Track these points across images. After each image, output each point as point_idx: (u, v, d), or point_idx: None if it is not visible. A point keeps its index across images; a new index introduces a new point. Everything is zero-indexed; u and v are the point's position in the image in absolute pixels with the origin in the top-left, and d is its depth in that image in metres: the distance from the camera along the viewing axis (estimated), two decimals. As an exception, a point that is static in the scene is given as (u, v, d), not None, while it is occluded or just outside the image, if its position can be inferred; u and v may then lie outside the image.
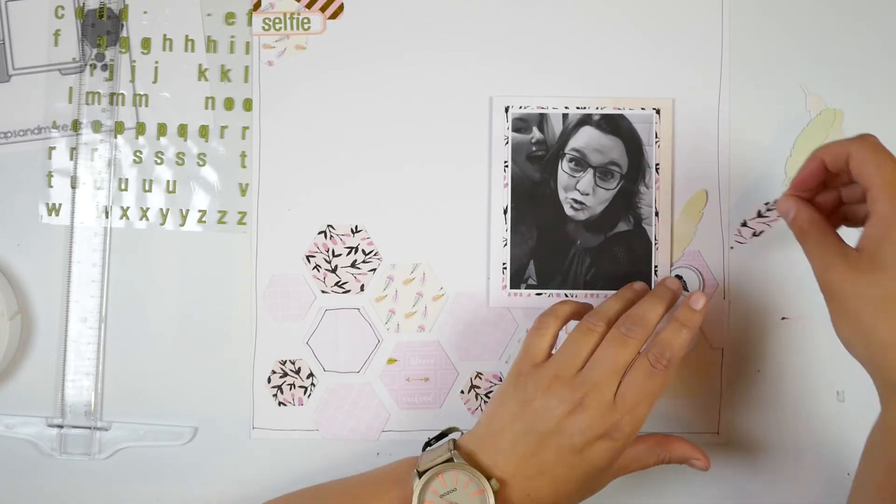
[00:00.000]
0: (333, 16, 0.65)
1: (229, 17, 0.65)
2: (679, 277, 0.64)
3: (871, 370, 0.51)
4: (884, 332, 0.48)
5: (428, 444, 0.58)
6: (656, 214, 0.64)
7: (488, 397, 0.64)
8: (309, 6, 0.64)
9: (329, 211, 0.64)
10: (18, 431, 0.64)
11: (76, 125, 0.65)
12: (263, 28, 0.64)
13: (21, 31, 0.65)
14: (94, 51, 0.65)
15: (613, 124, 0.64)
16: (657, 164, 0.64)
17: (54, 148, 0.65)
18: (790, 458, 0.64)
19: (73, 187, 0.65)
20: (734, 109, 0.64)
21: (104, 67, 0.65)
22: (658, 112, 0.64)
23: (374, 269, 0.64)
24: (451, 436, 0.57)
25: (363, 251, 0.65)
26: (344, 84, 0.64)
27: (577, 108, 0.64)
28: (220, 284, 0.65)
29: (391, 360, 0.65)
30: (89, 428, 0.64)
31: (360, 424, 0.64)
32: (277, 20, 0.64)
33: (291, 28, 0.64)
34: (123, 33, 0.65)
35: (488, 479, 0.53)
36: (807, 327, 0.64)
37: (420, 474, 0.54)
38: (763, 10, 0.64)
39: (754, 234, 0.63)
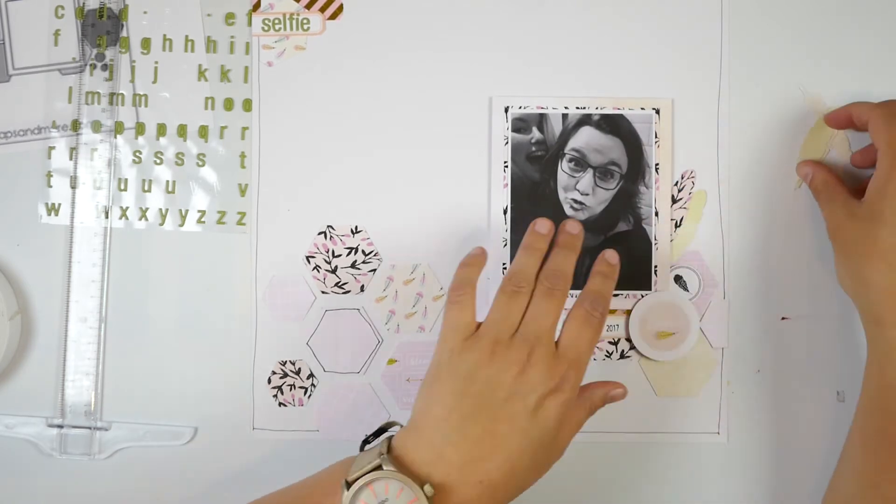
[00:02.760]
0: (333, 16, 0.65)
1: (229, 18, 0.65)
2: (679, 278, 0.64)
3: (859, 306, 0.57)
4: (871, 272, 0.54)
5: (366, 441, 0.55)
6: (656, 214, 0.64)
7: (488, 397, 0.64)
8: (308, 7, 0.64)
9: (329, 211, 0.64)
10: (18, 431, 0.64)
11: (76, 125, 0.65)
12: (263, 29, 0.64)
13: (21, 31, 0.65)
14: (94, 51, 0.65)
15: (613, 124, 0.64)
16: (657, 164, 0.64)
17: (54, 148, 0.65)
18: (790, 457, 0.64)
19: (73, 187, 0.65)
20: (734, 109, 0.64)
21: (104, 67, 0.65)
22: (658, 112, 0.64)
23: (374, 270, 0.64)
24: (387, 433, 0.55)
25: (363, 252, 0.65)
26: (343, 85, 0.64)
27: (577, 108, 0.64)
28: (219, 285, 0.65)
29: (391, 361, 0.65)
30: (89, 428, 0.64)
31: (361, 425, 0.64)
32: (277, 21, 0.64)
33: (291, 29, 0.64)
34: (123, 33, 0.65)
35: (423, 483, 0.50)
36: (807, 327, 0.64)
37: (349, 485, 0.50)
38: (762, 9, 0.64)
39: (677, 226, 0.64)
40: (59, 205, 0.65)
